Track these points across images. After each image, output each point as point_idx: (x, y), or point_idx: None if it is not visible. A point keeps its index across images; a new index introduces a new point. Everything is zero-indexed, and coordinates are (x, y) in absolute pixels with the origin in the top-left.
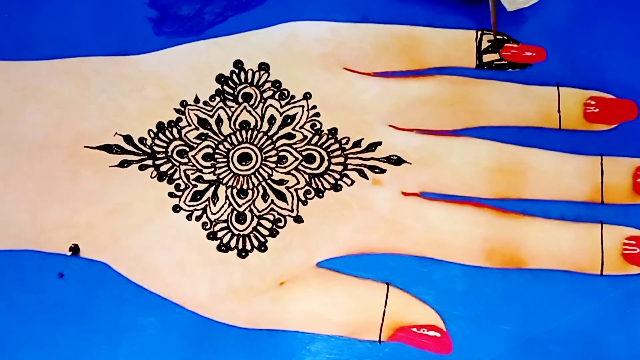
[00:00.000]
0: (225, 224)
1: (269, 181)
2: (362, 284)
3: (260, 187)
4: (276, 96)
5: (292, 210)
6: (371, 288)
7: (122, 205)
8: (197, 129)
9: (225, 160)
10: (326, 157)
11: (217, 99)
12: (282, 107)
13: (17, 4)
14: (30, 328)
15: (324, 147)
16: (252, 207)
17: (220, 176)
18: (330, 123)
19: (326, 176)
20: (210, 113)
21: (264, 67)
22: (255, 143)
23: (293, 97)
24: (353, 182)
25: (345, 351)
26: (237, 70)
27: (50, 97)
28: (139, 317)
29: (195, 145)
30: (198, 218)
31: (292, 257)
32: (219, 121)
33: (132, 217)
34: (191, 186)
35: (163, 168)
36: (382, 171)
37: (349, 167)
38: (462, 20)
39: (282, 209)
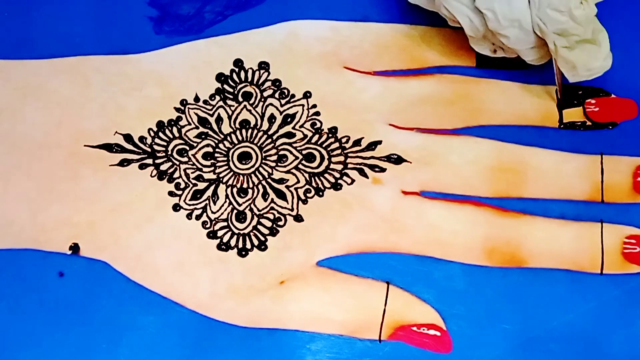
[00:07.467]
0: (225, 223)
1: (269, 180)
2: (362, 282)
3: (260, 186)
4: (276, 95)
5: (292, 209)
6: (371, 287)
7: (122, 204)
8: (197, 127)
9: (225, 159)
10: (326, 156)
11: (217, 97)
12: (282, 106)
13: (17, 4)
14: (31, 327)
15: (324, 146)
16: (252, 206)
17: (220, 175)
18: (331, 122)
19: (326, 175)
20: (211, 112)
21: (264, 66)
22: (255, 142)
23: (293, 96)
24: (353, 181)
25: (345, 350)
26: (237, 69)
27: (50, 96)
28: (139, 316)
29: (195, 144)
30: (198, 217)
31: (292, 256)
32: (219, 120)
33: (132, 216)
34: (191, 185)
35: (163, 167)
36: (383, 170)
37: (349, 166)
38: None
39: (282, 207)
